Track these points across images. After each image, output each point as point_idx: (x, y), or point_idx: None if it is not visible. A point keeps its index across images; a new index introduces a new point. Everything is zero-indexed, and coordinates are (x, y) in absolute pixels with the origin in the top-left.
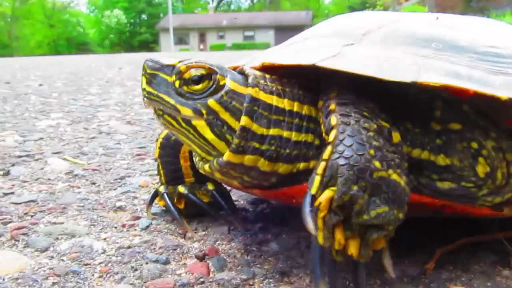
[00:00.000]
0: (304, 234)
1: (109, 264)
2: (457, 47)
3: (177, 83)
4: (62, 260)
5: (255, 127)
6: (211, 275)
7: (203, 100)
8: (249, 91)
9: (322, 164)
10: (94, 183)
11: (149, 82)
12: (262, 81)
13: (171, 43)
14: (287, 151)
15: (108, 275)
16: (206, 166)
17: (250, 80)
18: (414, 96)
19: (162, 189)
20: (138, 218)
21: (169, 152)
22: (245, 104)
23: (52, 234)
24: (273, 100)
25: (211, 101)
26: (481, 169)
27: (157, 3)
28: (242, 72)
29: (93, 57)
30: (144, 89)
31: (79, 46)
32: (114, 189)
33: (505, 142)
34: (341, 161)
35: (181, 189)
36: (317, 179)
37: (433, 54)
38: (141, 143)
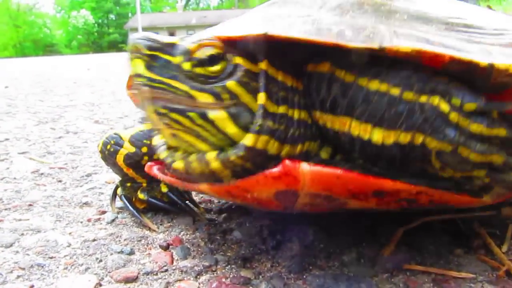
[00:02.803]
0: (267, 223)
1: (74, 257)
2: (424, 18)
3: (186, 65)
4: (27, 254)
5: (269, 104)
6: (174, 263)
7: (220, 83)
8: (262, 66)
9: None
10: (60, 181)
11: (148, 66)
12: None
13: None
14: (291, 131)
15: (73, 267)
16: (197, 161)
17: (259, 54)
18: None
19: (119, 191)
20: (104, 212)
21: (110, 161)
22: (261, 80)
23: (17, 230)
24: (280, 76)
25: (231, 84)
26: None
27: (125, 2)
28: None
29: (61, 58)
30: (140, 75)
31: (46, 48)
32: (81, 186)
33: None
34: None
35: (141, 195)
36: None
37: (398, 23)
38: None
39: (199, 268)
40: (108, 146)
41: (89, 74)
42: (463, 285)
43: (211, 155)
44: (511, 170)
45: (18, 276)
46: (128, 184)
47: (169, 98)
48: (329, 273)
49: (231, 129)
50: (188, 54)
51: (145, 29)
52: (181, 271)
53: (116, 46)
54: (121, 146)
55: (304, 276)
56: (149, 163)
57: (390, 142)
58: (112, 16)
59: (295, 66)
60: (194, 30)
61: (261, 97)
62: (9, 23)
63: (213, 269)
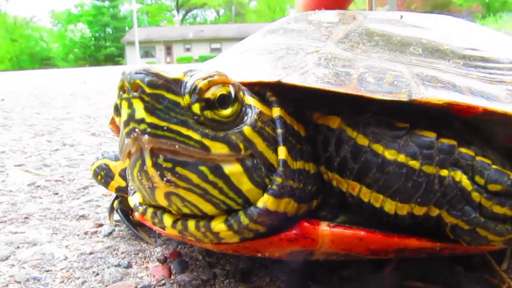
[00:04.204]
0: None
1: (71, 270)
2: (439, 51)
3: (196, 107)
4: (23, 267)
5: (289, 160)
6: (172, 277)
7: (236, 129)
8: (278, 112)
9: None
10: (56, 193)
11: (151, 109)
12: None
13: (137, 56)
14: (309, 187)
15: (69, 280)
16: (194, 226)
17: (272, 98)
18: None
19: (116, 204)
20: (101, 225)
21: (102, 185)
22: (279, 131)
23: (13, 243)
24: (295, 124)
25: (247, 130)
26: None
27: (122, 16)
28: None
29: (57, 71)
30: (139, 121)
31: (42, 61)
32: (77, 199)
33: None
34: None
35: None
36: None
37: (416, 60)
38: None
39: (197, 282)
40: (99, 177)
41: (85, 87)
42: None
43: (219, 225)
44: None
45: None
46: (125, 197)
47: (175, 150)
48: None
49: (246, 185)
50: (197, 94)
51: (142, 42)
52: (179, 285)
53: (112, 59)
54: (112, 179)
55: None
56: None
57: (404, 213)
58: (109, 30)
59: (301, 111)
60: (191, 43)
61: (282, 152)
62: (6, 37)
63: (212, 283)
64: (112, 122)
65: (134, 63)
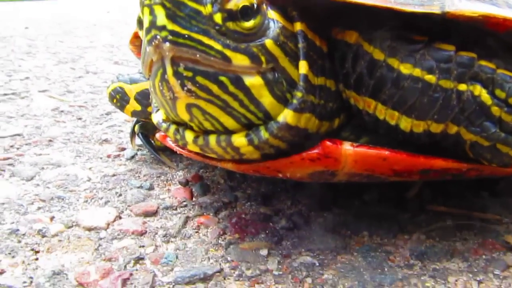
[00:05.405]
0: None
1: (94, 190)
2: None
3: (217, 17)
4: (48, 187)
5: (310, 75)
6: (194, 199)
7: (258, 41)
8: (299, 26)
9: None
10: (80, 118)
11: (172, 16)
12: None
13: None
14: (330, 105)
15: (93, 200)
16: (215, 141)
17: (294, 12)
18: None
19: (136, 128)
20: (123, 149)
21: (118, 109)
22: (301, 45)
23: (38, 164)
24: (317, 40)
25: (269, 43)
26: None
27: None
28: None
29: (81, 0)
30: (160, 28)
31: None
32: (100, 124)
33: None
34: None
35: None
36: None
37: None
38: None
39: (218, 204)
40: (114, 100)
41: (109, 17)
42: (488, 226)
43: (240, 138)
44: None
45: (39, 208)
46: (145, 121)
47: (196, 59)
48: (349, 211)
49: (266, 98)
50: (219, 4)
51: None
52: (201, 206)
53: None
54: (127, 102)
55: (325, 214)
56: (162, 133)
57: (420, 131)
58: None
59: (322, 27)
60: None
61: (303, 66)
62: None
63: (233, 206)
64: (132, 41)
65: None
